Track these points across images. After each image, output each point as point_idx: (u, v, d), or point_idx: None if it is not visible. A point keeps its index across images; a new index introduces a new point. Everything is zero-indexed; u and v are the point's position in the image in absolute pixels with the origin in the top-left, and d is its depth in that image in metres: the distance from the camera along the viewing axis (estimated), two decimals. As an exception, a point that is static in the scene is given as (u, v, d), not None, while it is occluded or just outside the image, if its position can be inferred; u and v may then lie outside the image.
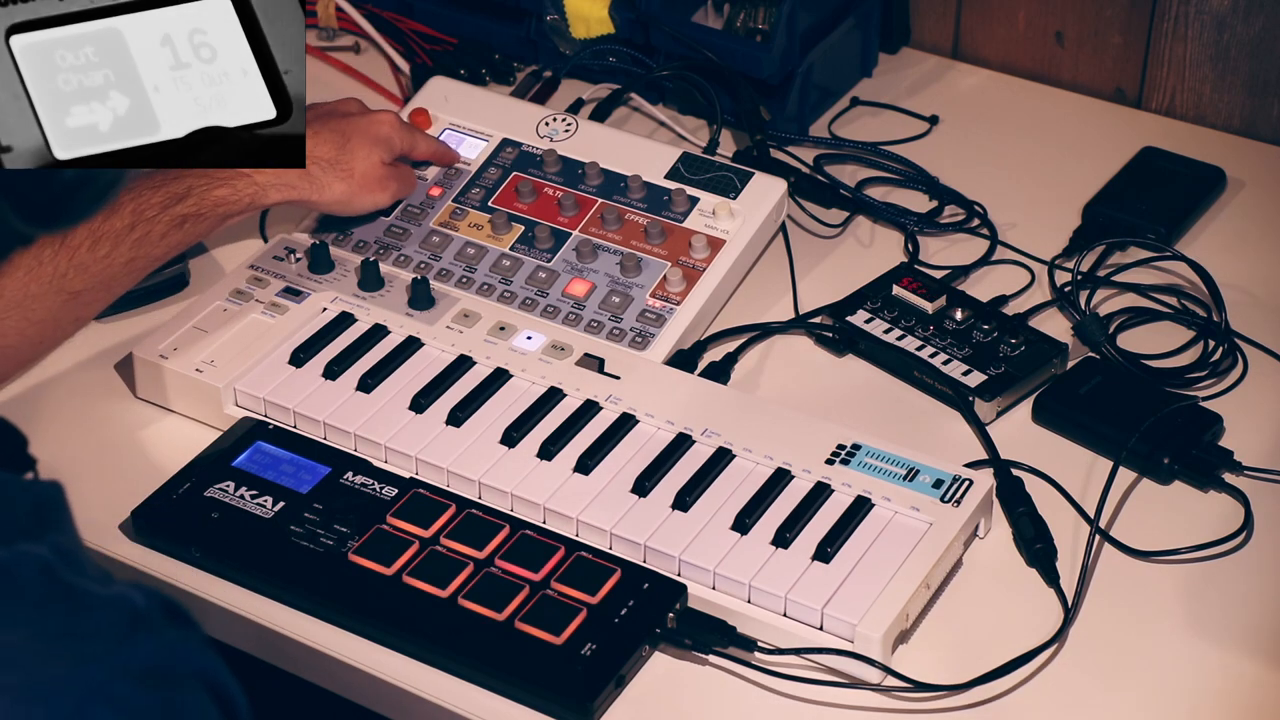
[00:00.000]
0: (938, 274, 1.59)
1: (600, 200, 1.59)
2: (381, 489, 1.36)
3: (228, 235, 1.64)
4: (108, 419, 1.47)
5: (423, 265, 1.55)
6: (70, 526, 0.93)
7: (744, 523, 1.33)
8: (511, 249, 1.56)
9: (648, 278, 1.53)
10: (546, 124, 1.66)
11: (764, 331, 1.54)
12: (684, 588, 1.29)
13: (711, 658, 1.27)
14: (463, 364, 1.46)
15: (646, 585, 1.29)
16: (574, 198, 1.59)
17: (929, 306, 1.53)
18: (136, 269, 1.40)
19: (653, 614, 1.27)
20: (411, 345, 1.48)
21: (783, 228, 1.62)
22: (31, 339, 1.37)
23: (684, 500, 1.34)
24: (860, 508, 1.33)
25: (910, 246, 1.63)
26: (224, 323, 1.49)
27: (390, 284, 1.53)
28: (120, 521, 1.37)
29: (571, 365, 1.45)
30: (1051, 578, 1.33)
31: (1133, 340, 1.53)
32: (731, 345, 1.53)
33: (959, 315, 1.52)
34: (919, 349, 1.50)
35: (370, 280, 1.52)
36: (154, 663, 0.87)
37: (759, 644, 1.26)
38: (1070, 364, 1.50)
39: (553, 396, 1.43)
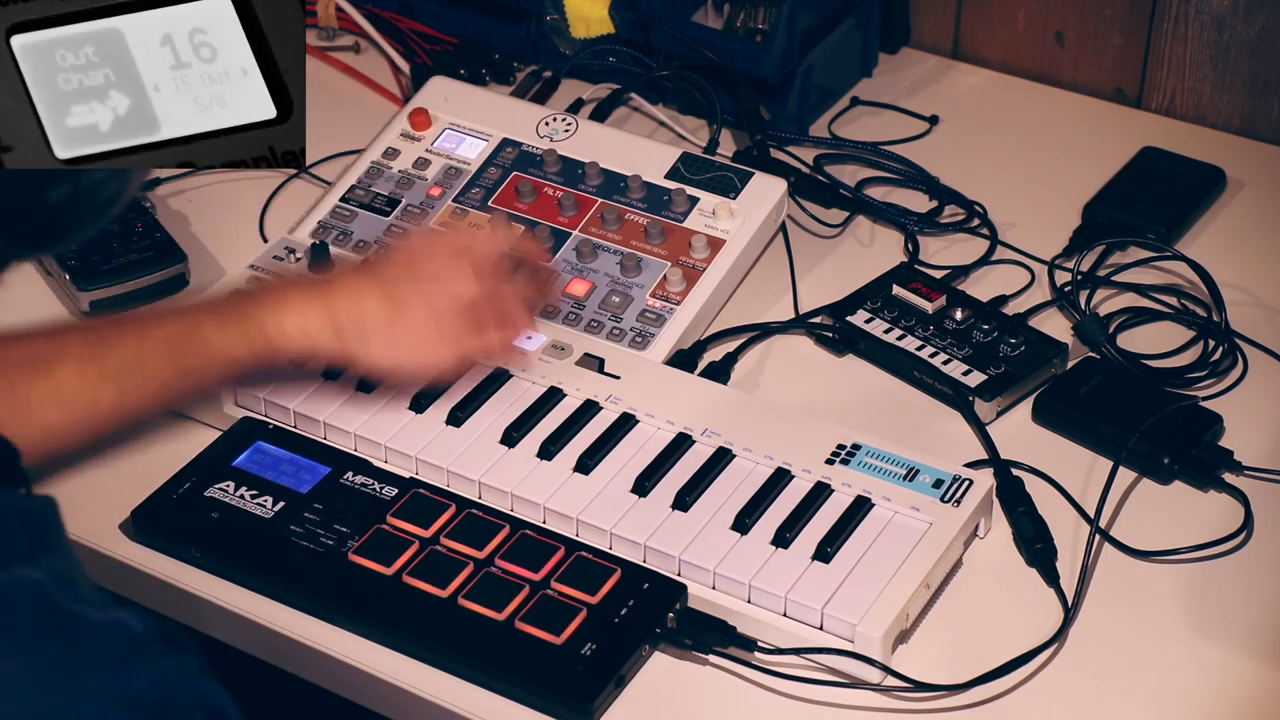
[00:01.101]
0: (938, 274, 1.59)
1: (600, 200, 1.59)
2: (381, 489, 1.36)
3: (227, 235, 1.64)
4: (108, 419, 1.47)
5: (423, 265, 1.55)
6: (65, 546, 0.93)
7: (744, 523, 1.33)
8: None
9: (648, 277, 1.53)
10: (546, 124, 1.66)
11: (764, 331, 1.54)
12: (684, 588, 1.29)
13: (711, 658, 1.27)
14: (463, 364, 1.46)
15: (646, 585, 1.29)
16: (574, 198, 1.59)
17: (929, 306, 1.53)
18: (125, 413, 1.27)
19: (653, 614, 1.27)
20: (411, 345, 1.47)
21: (783, 228, 1.62)
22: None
23: (684, 500, 1.34)
24: (860, 508, 1.33)
25: (910, 246, 1.63)
26: (224, 323, 1.49)
27: (390, 284, 1.53)
28: (120, 521, 1.37)
29: (571, 365, 1.45)
30: (1051, 578, 1.33)
31: (1133, 340, 1.53)
32: (731, 345, 1.53)
33: (959, 315, 1.52)
34: (919, 349, 1.50)
35: (370, 280, 1.52)
36: (151, 691, 0.87)
37: (759, 644, 1.26)
38: (1070, 364, 1.50)
39: (553, 396, 1.43)
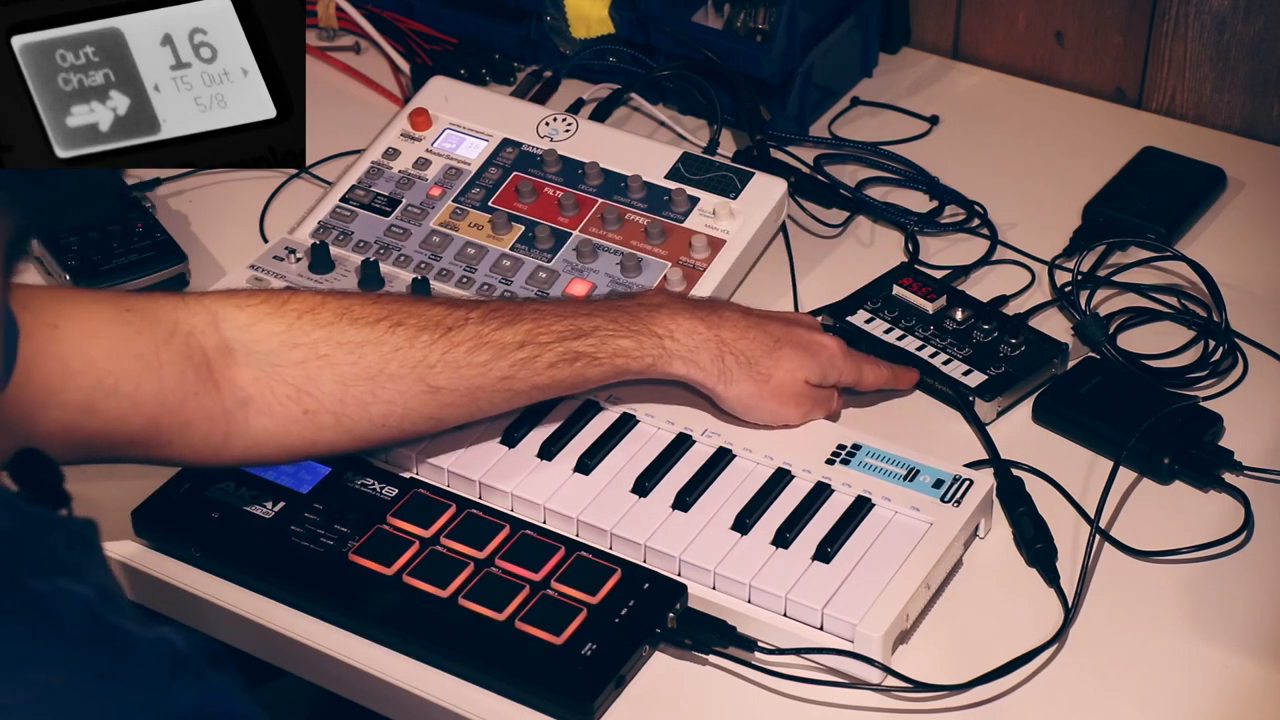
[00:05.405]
0: (938, 274, 1.59)
1: (600, 200, 1.59)
2: (381, 489, 1.36)
3: (227, 235, 1.64)
4: (108, 419, 1.46)
5: (423, 265, 1.56)
6: (105, 565, 0.92)
7: (744, 523, 1.33)
8: (512, 249, 1.56)
9: (648, 278, 1.53)
10: (546, 124, 1.66)
11: (764, 331, 1.54)
12: (684, 588, 1.29)
13: (711, 658, 1.27)
14: (463, 364, 1.46)
15: (646, 585, 1.29)
16: (574, 198, 1.59)
17: (929, 306, 1.53)
18: (511, 390, 1.32)
19: (653, 614, 1.27)
20: (411, 345, 1.47)
21: (783, 228, 1.62)
22: (375, 418, 1.30)
23: (684, 500, 1.34)
24: (860, 508, 1.33)
25: (910, 246, 1.63)
26: (224, 323, 1.49)
27: (390, 284, 1.53)
28: (120, 522, 1.37)
29: (571, 365, 1.45)
30: (1051, 578, 1.33)
31: (1133, 340, 1.53)
32: (731, 345, 1.53)
33: (959, 315, 1.52)
34: (919, 349, 1.50)
35: (370, 280, 1.52)
36: (196, 708, 0.86)
37: (759, 644, 1.26)
38: (1070, 364, 1.50)
39: (553, 396, 1.43)
